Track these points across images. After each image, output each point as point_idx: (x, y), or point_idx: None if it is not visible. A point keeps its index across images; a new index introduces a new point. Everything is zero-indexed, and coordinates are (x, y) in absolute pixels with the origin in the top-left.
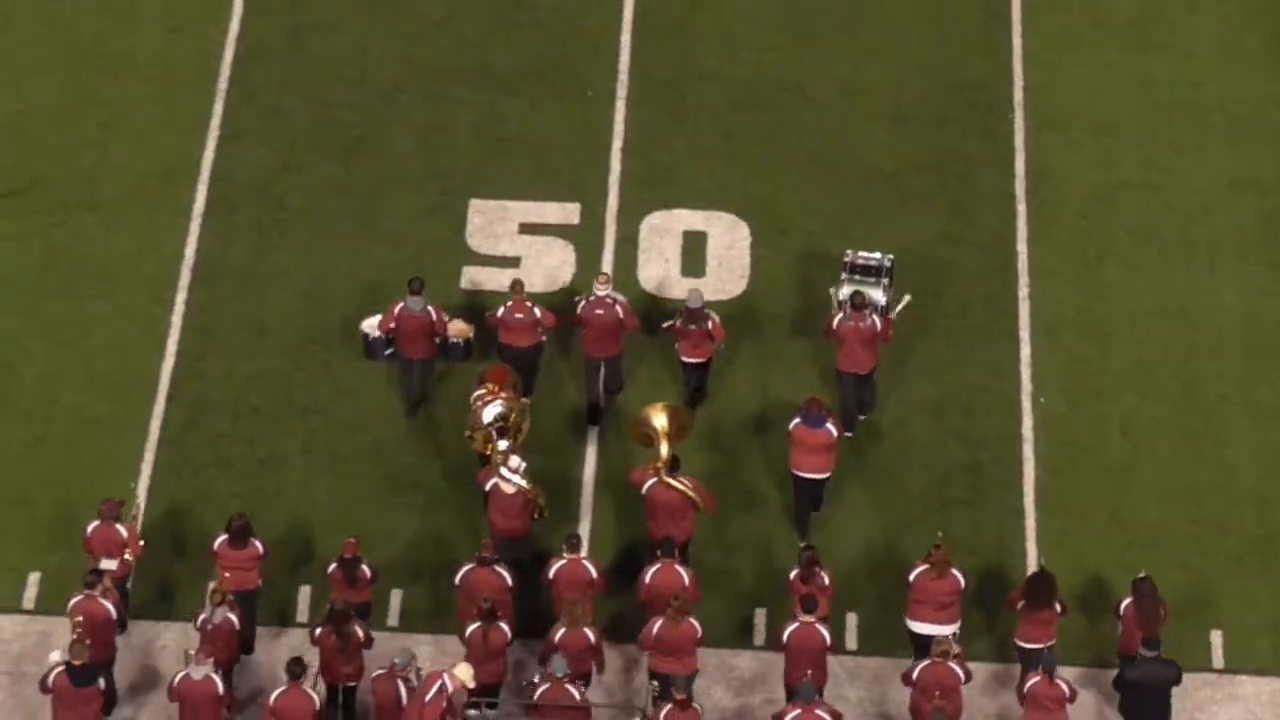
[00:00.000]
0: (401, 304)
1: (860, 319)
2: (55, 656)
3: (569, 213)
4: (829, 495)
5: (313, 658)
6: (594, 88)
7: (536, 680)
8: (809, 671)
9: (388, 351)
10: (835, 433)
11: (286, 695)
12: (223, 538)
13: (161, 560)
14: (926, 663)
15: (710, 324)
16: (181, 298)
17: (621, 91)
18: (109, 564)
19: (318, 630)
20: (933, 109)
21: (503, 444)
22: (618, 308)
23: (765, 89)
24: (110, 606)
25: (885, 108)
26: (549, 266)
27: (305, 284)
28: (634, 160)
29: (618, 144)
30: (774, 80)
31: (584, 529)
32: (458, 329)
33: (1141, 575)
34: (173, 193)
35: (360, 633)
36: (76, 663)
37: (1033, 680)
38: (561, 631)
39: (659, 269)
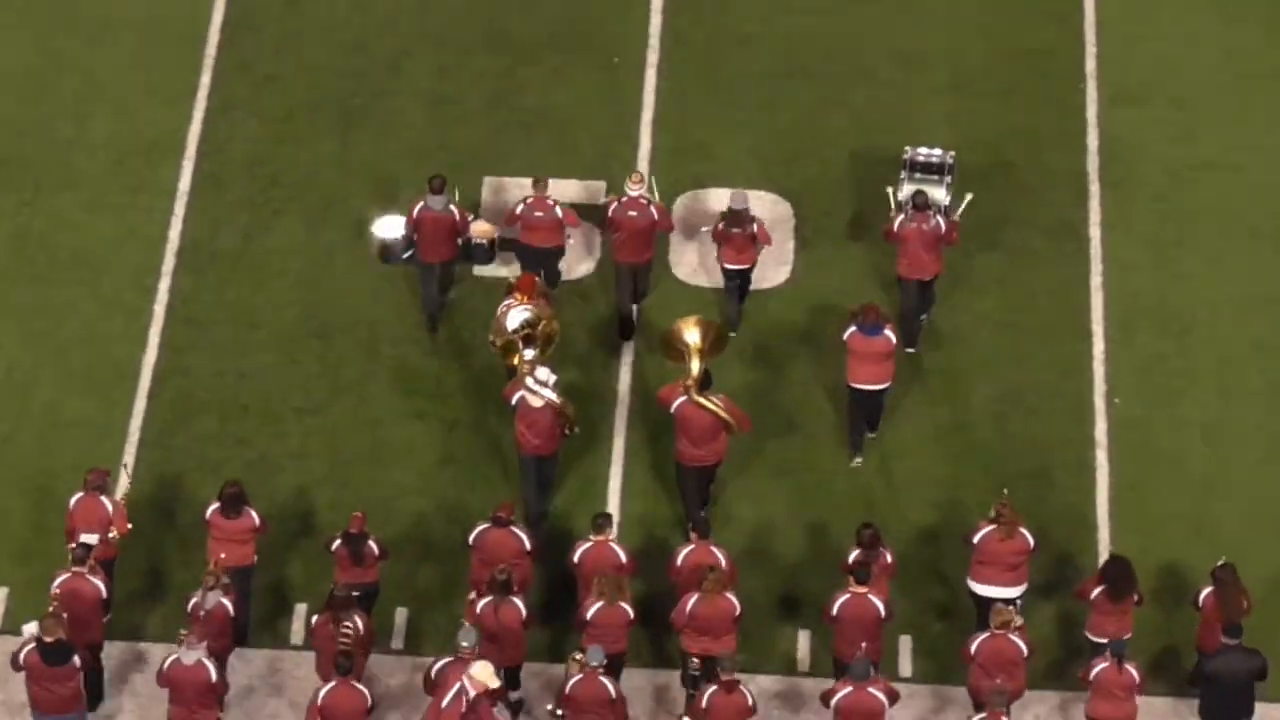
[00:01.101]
0: (421, 203)
1: (923, 220)
2: (30, 630)
3: (593, 192)
4: (887, 411)
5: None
6: (621, 54)
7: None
8: (863, 645)
9: (406, 255)
10: (894, 340)
11: (335, 692)
12: (214, 506)
13: (141, 571)
14: (986, 635)
15: (755, 227)
16: (165, 285)
17: (651, 58)
18: (89, 537)
19: (314, 619)
20: (996, 79)
21: (529, 353)
22: (652, 209)
23: (811, 55)
24: (100, 584)
25: (943, 77)
26: (571, 251)
27: (301, 271)
28: (665, 134)
29: (647, 116)
30: (820, 46)
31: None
32: (481, 229)
33: (1221, 562)
34: (156, 170)
35: (362, 625)
36: (49, 639)
37: (1100, 666)
38: (597, 607)
39: (692, 256)
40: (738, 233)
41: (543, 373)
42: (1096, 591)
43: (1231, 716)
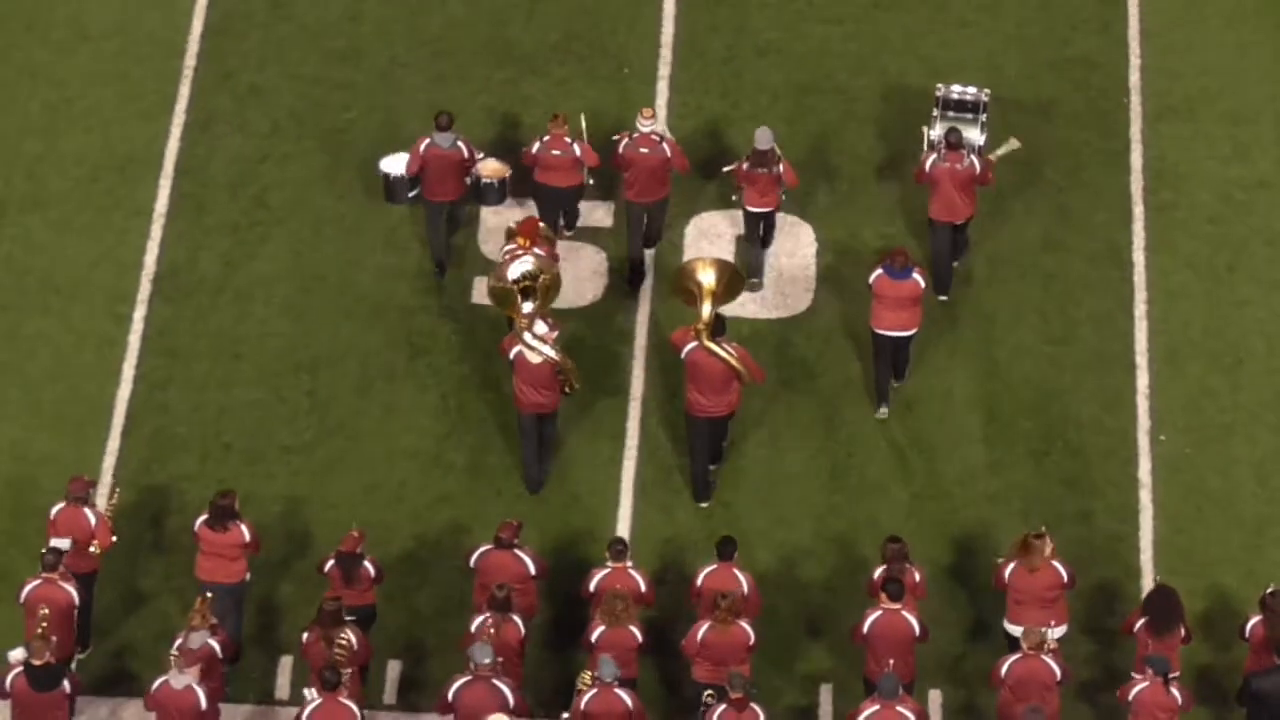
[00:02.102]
0: (428, 140)
1: (957, 160)
2: (16, 655)
3: (602, 213)
4: (914, 359)
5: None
6: (631, 65)
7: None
8: (890, 662)
9: (411, 194)
10: (922, 284)
11: (322, 710)
12: (203, 517)
13: (117, 622)
14: (1018, 657)
15: (780, 167)
16: (141, 314)
17: (664, 70)
18: (61, 543)
19: (305, 636)
20: (1035, 92)
21: (527, 306)
22: (665, 145)
23: (836, 68)
24: (73, 591)
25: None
26: (578, 276)
27: (288, 299)
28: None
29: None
30: (846, 57)
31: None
32: (492, 169)
33: (1271, 589)
34: (131, 189)
35: (354, 640)
36: (37, 663)
37: (1141, 685)
38: (600, 630)
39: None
40: (762, 173)
41: (541, 327)
42: (1140, 624)
43: None
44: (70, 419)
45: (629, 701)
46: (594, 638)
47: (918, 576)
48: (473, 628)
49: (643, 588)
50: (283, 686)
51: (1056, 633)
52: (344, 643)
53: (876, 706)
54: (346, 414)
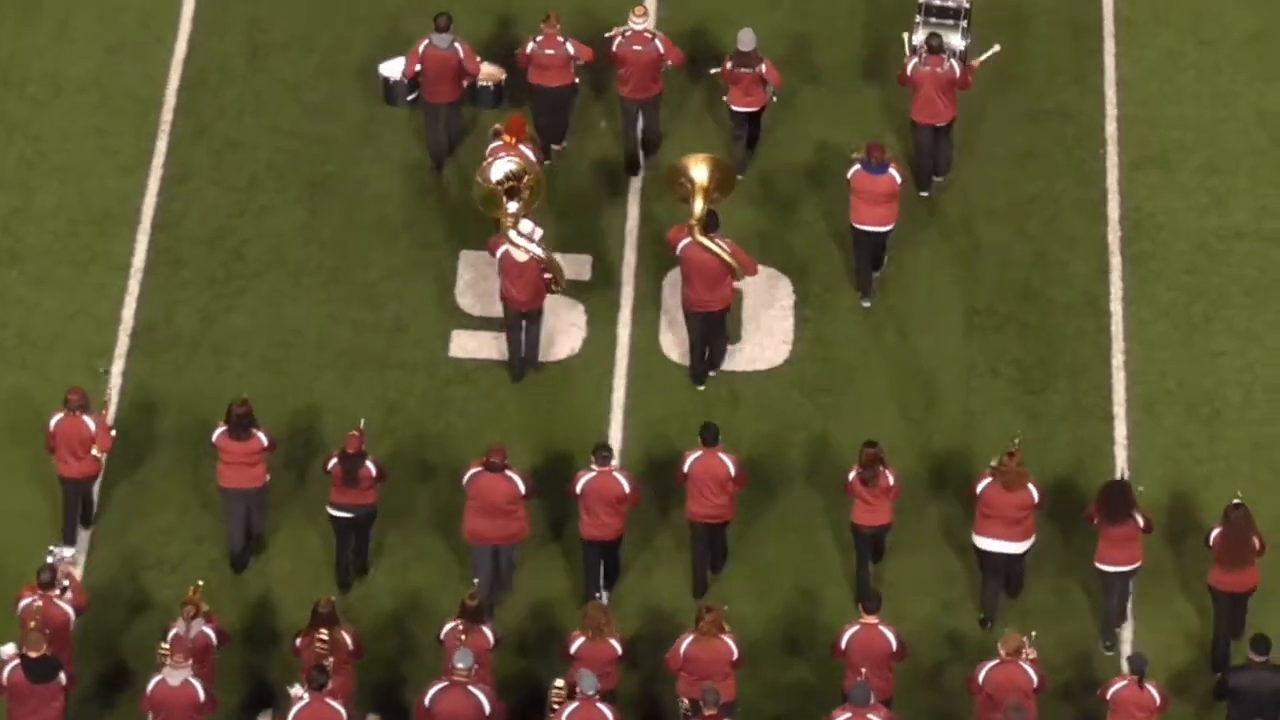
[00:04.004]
0: (426, 41)
1: (938, 63)
2: (8, 650)
3: (578, 266)
4: (891, 251)
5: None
6: (607, 119)
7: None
8: (862, 671)
9: (410, 97)
10: (899, 179)
11: (309, 710)
12: (221, 429)
13: (97, 671)
14: (995, 663)
15: (763, 67)
16: (118, 369)
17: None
18: (65, 551)
19: (298, 639)
20: (1011, 143)
21: (512, 206)
22: (657, 42)
23: (806, 159)
24: (69, 609)
25: (956, 141)
26: (555, 329)
27: (265, 352)
28: (655, 205)
29: (635, 185)
30: (815, 148)
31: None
32: (487, 72)
33: (1235, 502)
34: (108, 243)
35: (349, 639)
36: (33, 655)
37: (1119, 685)
38: (580, 642)
39: (685, 333)
40: (746, 73)
41: (526, 225)
42: (1098, 518)
43: None
44: (47, 475)
45: (610, 715)
46: (574, 649)
47: (891, 479)
48: (442, 634)
49: (626, 489)
50: None
51: (1021, 547)
52: (324, 638)
53: (848, 714)
54: (323, 472)
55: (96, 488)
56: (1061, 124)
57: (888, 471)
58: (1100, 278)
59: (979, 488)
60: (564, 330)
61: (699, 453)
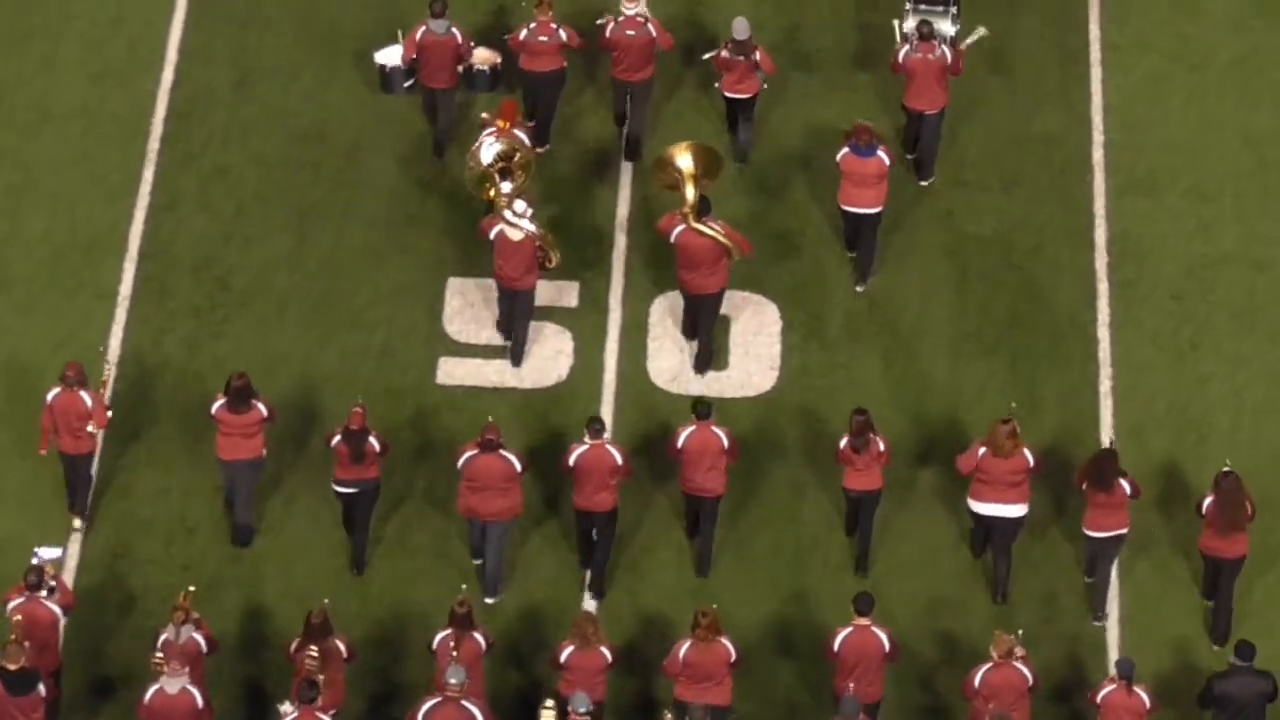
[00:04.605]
0: (423, 28)
1: (929, 50)
2: None
3: (565, 293)
4: (882, 237)
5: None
6: (594, 146)
7: None
8: (849, 686)
9: (407, 84)
10: (887, 161)
11: None
12: (220, 401)
13: (82, 704)
14: (989, 666)
15: (757, 55)
16: (105, 396)
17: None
18: (49, 552)
19: (293, 646)
20: (998, 168)
21: (506, 186)
22: (649, 26)
23: (798, 144)
24: (56, 609)
25: (941, 167)
26: (542, 357)
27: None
28: (642, 231)
29: (623, 211)
30: (807, 134)
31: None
32: (483, 56)
33: (1225, 469)
34: (95, 270)
35: (343, 648)
36: (12, 667)
37: (1108, 689)
38: (570, 651)
39: (672, 360)
40: (740, 60)
41: (520, 205)
42: (1086, 485)
43: None
44: (34, 503)
45: None
46: (563, 658)
47: (882, 446)
48: (434, 644)
49: (619, 461)
50: None
51: (1017, 511)
52: (314, 654)
53: None
54: (312, 500)
55: (95, 465)
56: (1048, 150)
57: (877, 438)
58: (1087, 304)
59: (977, 454)
60: (551, 357)
61: (692, 427)
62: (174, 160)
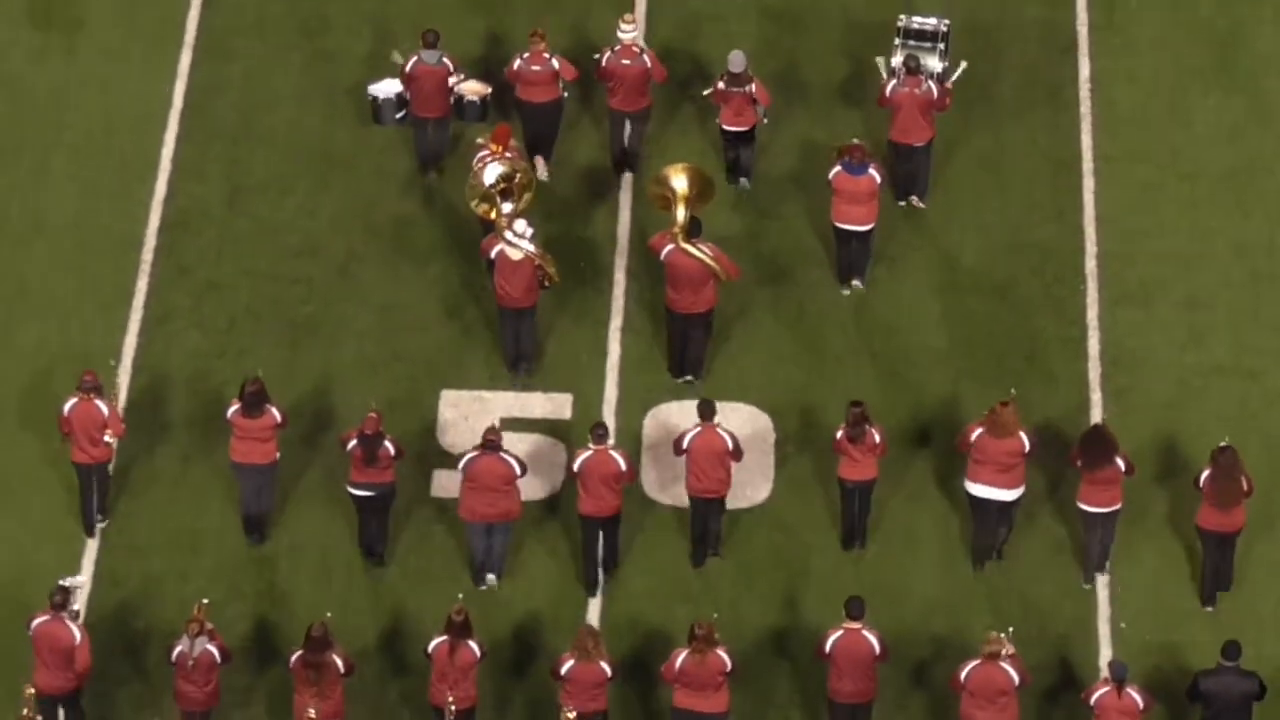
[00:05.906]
0: (415, 58)
1: (915, 84)
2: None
3: (559, 405)
4: (874, 253)
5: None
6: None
7: None
8: (843, 685)
9: (398, 115)
10: (878, 179)
11: None
12: (235, 406)
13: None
14: (977, 663)
15: (753, 87)
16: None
17: (620, 261)
18: (73, 581)
19: (292, 659)
20: (991, 277)
21: (506, 206)
22: (645, 57)
23: (788, 257)
24: (76, 631)
25: (935, 275)
26: (536, 469)
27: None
28: (636, 341)
29: (616, 322)
30: (798, 248)
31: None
32: (473, 88)
33: (1223, 445)
34: None
35: (340, 662)
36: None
37: (1101, 690)
38: (570, 664)
39: (668, 471)
40: (737, 93)
41: (520, 225)
42: (1080, 462)
43: None
44: (24, 626)
45: None
46: (563, 670)
47: (878, 437)
48: (429, 649)
49: (623, 467)
50: None
51: (1013, 494)
52: (313, 664)
53: None
54: (306, 614)
55: (110, 471)
56: (1041, 260)
57: (873, 429)
58: (1080, 413)
59: (971, 437)
60: (544, 471)
61: (697, 428)
62: (167, 274)
